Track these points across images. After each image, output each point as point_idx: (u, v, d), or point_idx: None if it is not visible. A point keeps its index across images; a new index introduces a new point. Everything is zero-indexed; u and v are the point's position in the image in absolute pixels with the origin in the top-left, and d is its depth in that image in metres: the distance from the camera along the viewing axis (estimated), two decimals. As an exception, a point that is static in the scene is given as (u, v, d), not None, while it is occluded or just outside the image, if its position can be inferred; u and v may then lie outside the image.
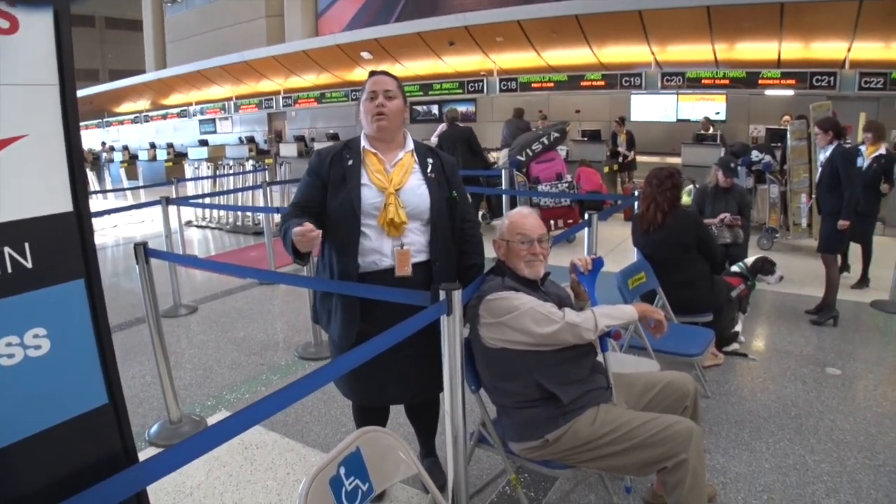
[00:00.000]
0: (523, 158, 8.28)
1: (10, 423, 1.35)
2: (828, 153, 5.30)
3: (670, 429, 2.14)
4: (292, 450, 3.34)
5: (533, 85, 14.83)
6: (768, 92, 12.39)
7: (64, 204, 1.45)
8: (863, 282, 6.15)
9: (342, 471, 1.63)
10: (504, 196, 7.49)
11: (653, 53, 13.45)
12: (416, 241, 2.45)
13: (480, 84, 15.50)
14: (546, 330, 2.20)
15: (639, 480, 2.85)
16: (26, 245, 1.38)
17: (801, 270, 6.93)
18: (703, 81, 12.98)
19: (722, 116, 13.09)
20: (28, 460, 1.38)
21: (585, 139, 12.83)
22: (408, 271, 2.41)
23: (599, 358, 2.45)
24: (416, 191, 2.46)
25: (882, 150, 6.36)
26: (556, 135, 8.47)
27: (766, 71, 12.24)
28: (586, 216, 3.88)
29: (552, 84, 14.64)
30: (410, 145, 2.57)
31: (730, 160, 5.96)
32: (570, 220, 8.08)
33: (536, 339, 2.22)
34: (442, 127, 10.05)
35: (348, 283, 2.39)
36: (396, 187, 2.42)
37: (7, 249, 1.35)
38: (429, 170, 2.52)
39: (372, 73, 2.62)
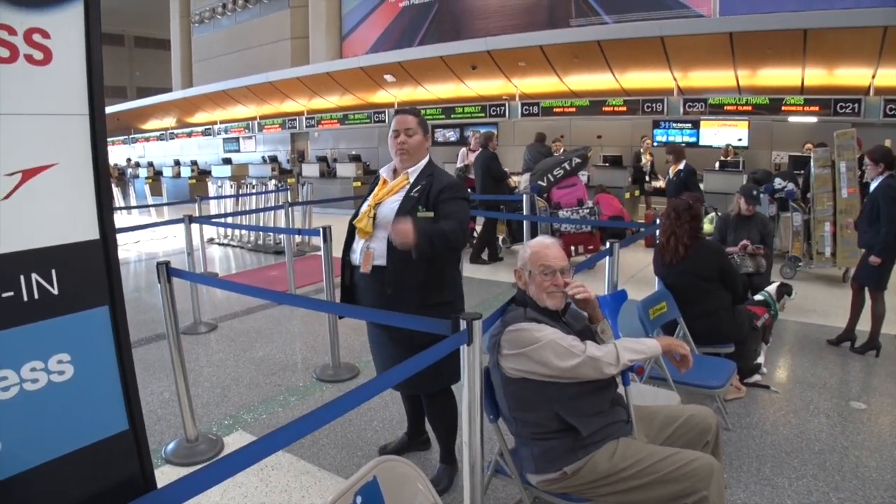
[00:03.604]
0: (545, 184, 8.28)
1: (31, 448, 1.35)
2: (877, 184, 5.14)
3: (691, 465, 2.11)
4: (308, 472, 3.33)
5: (555, 110, 14.84)
6: (791, 118, 12.30)
7: (91, 231, 1.47)
8: None
9: (359, 500, 1.61)
10: (525, 221, 7.47)
11: (675, 79, 13.43)
12: (379, 247, 2.87)
13: (502, 108, 15.55)
14: (567, 364, 2.18)
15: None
16: (53, 272, 1.40)
17: (825, 300, 6.84)
18: (725, 108, 12.90)
19: (744, 143, 13.01)
20: (48, 485, 1.38)
21: (607, 164, 12.83)
22: (367, 269, 2.88)
23: (620, 390, 2.42)
24: (390, 206, 2.90)
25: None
26: (578, 160, 8.47)
27: (789, 97, 12.14)
28: (608, 244, 3.86)
29: (574, 109, 14.63)
30: (415, 171, 2.98)
31: (752, 188, 5.94)
32: (591, 247, 8.04)
33: (557, 373, 2.20)
34: (463, 151, 10.08)
35: (376, 312, 2.82)
36: (377, 202, 2.95)
37: (34, 276, 1.36)
38: (414, 191, 2.89)
39: (397, 112, 3.07)
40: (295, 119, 20.99)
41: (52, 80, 1.38)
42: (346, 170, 15.80)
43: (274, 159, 19.20)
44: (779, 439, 3.66)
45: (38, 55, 1.35)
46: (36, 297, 1.36)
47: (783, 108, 12.25)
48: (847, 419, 3.94)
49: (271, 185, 11.78)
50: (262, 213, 10.49)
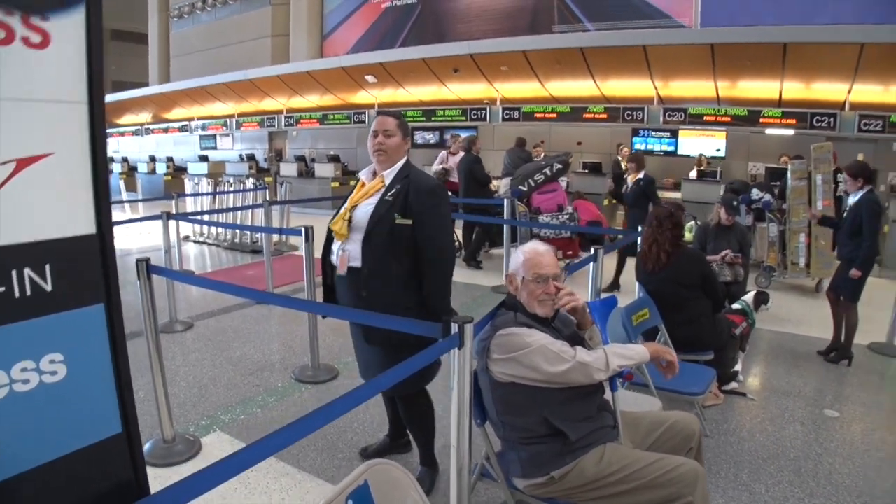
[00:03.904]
0: (525, 189, 8.31)
1: (22, 452, 1.31)
2: (857, 198, 5.24)
3: (676, 470, 2.12)
4: (288, 474, 3.30)
5: (536, 115, 14.88)
6: (769, 131, 12.47)
7: (87, 226, 1.42)
8: None
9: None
10: (505, 226, 7.49)
11: (656, 88, 13.54)
12: (353, 250, 2.90)
13: (483, 112, 15.57)
14: (557, 369, 2.18)
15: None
16: (47, 267, 1.34)
17: (799, 310, 6.96)
18: (704, 118, 13.05)
19: (722, 153, 13.17)
20: (39, 490, 1.34)
21: (586, 171, 12.89)
22: (343, 271, 2.93)
23: (606, 395, 2.43)
24: (364, 209, 2.93)
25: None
26: (559, 166, 8.51)
27: (767, 109, 12.32)
28: (592, 251, 3.88)
29: (555, 115, 14.69)
30: (390, 174, 2.97)
31: (732, 198, 6.01)
32: (570, 252, 8.09)
33: (546, 377, 2.20)
34: (442, 154, 10.07)
35: (364, 313, 2.80)
36: (353, 204, 2.98)
37: (27, 271, 1.31)
38: (389, 194, 2.90)
39: (378, 113, 3.12)
40: (274, 117, 20.83)
41: (49, 65, 1.33)
42: (324, 170, 15.73)
43: (251, 157, 19.05)
44: (755, 446, 3.71)
45: (36, 38, 1.30)
46: (28, 293, 1.31)
47: (761, 119, 12.41)
48: (821, 427, 4.00)
49: (249, 183, 11.67)
50: (240, 212, 10.39)
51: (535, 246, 2.47)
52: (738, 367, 4.63)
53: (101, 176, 1.43)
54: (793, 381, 4.76)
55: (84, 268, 1.41)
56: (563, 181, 9.74)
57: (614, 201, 11.82)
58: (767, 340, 5.83)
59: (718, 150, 13.14)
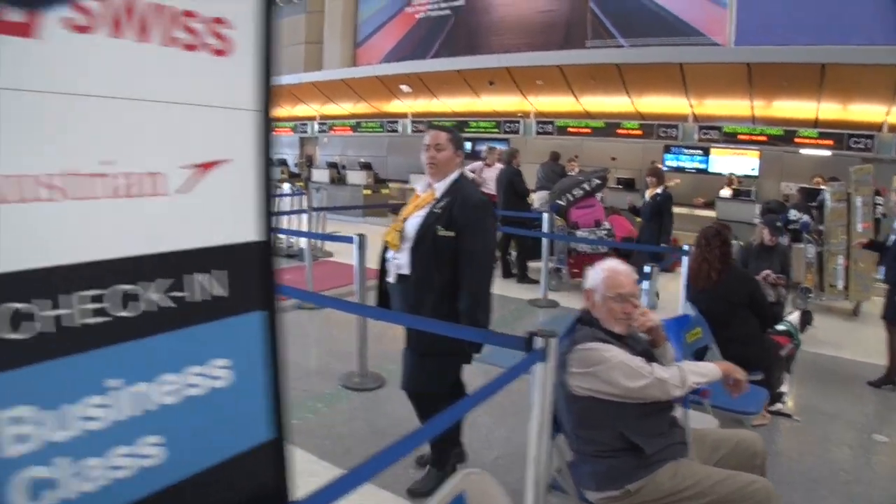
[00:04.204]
0: (564, 203, 8.36)
1: (189, 456, 1.33)
2: None
3: (750, 487, 2.18)
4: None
5: (569, 129, 14.95)
6: (804, 151, 12.43)
7: (258, 232, 1.44)
8: None
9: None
10: (544, 240, 7.55)
11: (691, 106, 13.53)
12: (403, 259, 3.08)
13: (517, 125, 15.66)
14: (635, 384, 2.25)
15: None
16: (221, 273, 1.37)
17: (837, 333, 6.94)
18: (739, 137, 13.03)
19: (755, 172, 13.14)
20: (202, 495, 1.36)
21: (621, 187, 12.91)
22: (392, 279, 3.17)
23: (676, 413, 2.49)
24: (414, 221, 3.09)
25: None
26: (598, 181, 8.57)
27: (802, 129, 12.29)
28: (646, 269, 3.93)
29: (589, 130, 14.74)
30: (441, 187, 3.12)
31: (776, 219, 6.04)
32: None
33: (624, 393, 2.26)
34: (478, 165, 10.15)
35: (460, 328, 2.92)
36: (404, 217, 3.15)
37: (201, 276, 1.33)
38: (438, 206, 3.06)
39: (430, 127, 3.43)
40: (306, 124, 21.05)
41: (230, 73, 1.35)
42: (356, 177, 15.87)
43: (283, 162, 19.25)
44: (805, 468, 3.73)
45: (220, 45, 1.32)
46: (202, 298, 1.34)
47: (796, 139, 12.38)
48: (870, 451, 4.02)
49: (286, 188, 11.80)
50: (282, 217, 10.51)
51: (615, 265, 2.54)
52: (783, 388, 4.65)
53: (271, 183, 1.46)
54: (837, 405, 4.77)
55: (251, 275, 1.45)
56: (598, 196, 9.78)
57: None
58: (808, 362, 5.82)
59: (753, 169, 13.11)
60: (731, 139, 13.12)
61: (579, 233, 8.25)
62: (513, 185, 8.60)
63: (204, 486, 1.36)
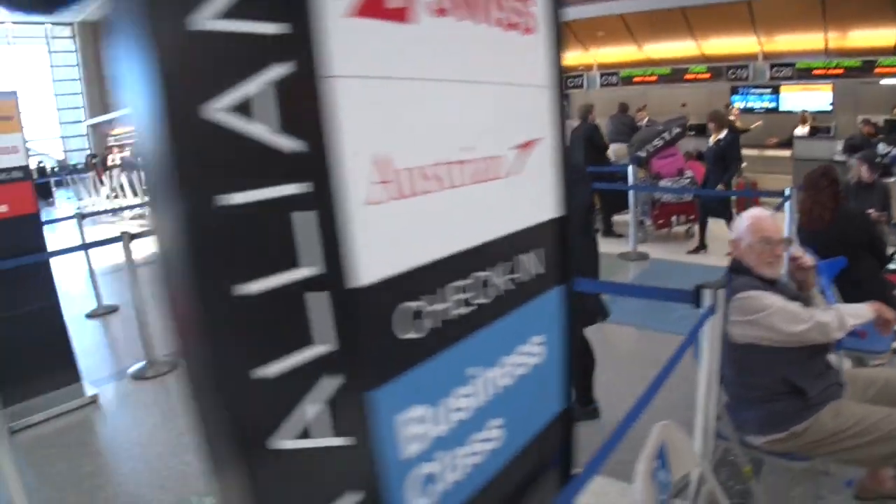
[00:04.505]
0: (644, 155, 8.32)
1: (517, 435, 1.37)
2: None
3: (911, 422, 2.25)
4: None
5: (634, 79, 14.68)
6: (884, 81, 11.94)
7: (559, 208, 1.48)
8: None
9: (657, 464, 1.69)
10: (630, 192, 7.56)
11: (760, 44, 13.09)
12: None
13: (580, 79, 15.45)
14: (796, 329, 2.30)
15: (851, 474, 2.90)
16: (542, 250, 1.41)
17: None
18: (813, 72, 12.58)
19: (829, 107, 12.66)
20: (518, 473, 1.41)
21: (693, 133, 12.68)
22: None
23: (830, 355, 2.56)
24: None
25: None
26: (678, 130, 8.45)
27: (883, 58, 11.80)
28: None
29: (655, 77, 14.45)
30: None
31: (874, 154, 5.92)
32: (693, 216, 8.09)
33: (785, 338, 2.33)
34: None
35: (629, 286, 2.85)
36: None
37: (527, 256, 1.37)
38: None
39: None
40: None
41: (536, 51, 1.37)
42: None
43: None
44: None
45: (529, 23, 1.33)
46: (527, 278, 1.37)
47: (875, 70, 11.87)
48: None
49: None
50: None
51: (759, 211, 2.59)
52: (897, 327, 4.62)
53: (566, 159, 1.49)
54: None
55: (558, 249, 1.48)
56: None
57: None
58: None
59: (830, 104, 12.61)
60: (805, 75, 12.66)
61: (662, 183, 8.21)
62: (592, 140, 8.58)
63: (521, 462, 1.41)
